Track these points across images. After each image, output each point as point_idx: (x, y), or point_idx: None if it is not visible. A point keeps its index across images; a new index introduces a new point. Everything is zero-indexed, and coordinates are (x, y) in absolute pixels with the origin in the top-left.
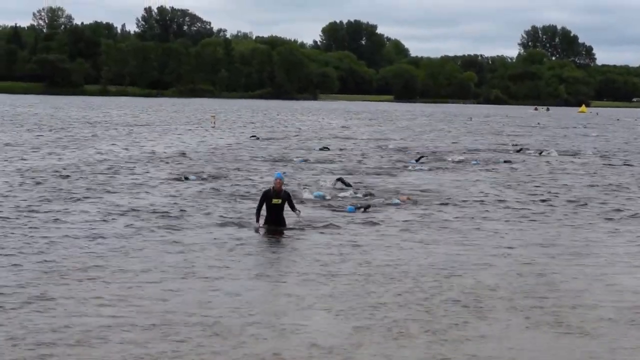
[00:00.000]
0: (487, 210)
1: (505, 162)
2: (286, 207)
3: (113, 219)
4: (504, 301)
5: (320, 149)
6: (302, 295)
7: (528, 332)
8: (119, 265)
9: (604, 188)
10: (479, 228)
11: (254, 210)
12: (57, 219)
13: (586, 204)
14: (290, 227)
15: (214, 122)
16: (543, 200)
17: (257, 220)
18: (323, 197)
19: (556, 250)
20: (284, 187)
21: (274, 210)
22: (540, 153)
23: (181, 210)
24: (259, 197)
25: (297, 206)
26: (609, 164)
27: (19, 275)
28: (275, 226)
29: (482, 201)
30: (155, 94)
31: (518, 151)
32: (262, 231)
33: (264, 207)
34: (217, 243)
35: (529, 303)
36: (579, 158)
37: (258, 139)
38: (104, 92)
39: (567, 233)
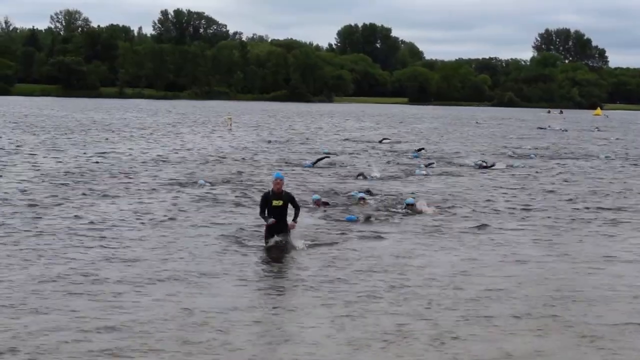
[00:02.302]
0: (498, 217)
1: (516, 167)
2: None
3: (111, 224)
4: (513, 310)
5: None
6: (296, 306)
7: (538, 340)
8: (105, 272)
9: (622, 193)
10: (489, 235)
11: (258, 218)
12: (52, 223)
13: (603, 210)
14: (293, 234)
15: (230, 125)
16: (558, 206)
17: (267, 220)
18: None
19: (571, 257)
20: (284, 189)
21: (276, 214)
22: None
23: (183, 215)
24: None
25: (299, 215)
26: (629, 168)
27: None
28: (278, 232)
29: (492, 207)
30: (172, 96)
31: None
32: (268, 241)
33: (268, 212)
34: (211, 251)
35: (541, 311)
36: (596, 162)
37: (270, 141)
38: (120, 95)
39: (582, 239)
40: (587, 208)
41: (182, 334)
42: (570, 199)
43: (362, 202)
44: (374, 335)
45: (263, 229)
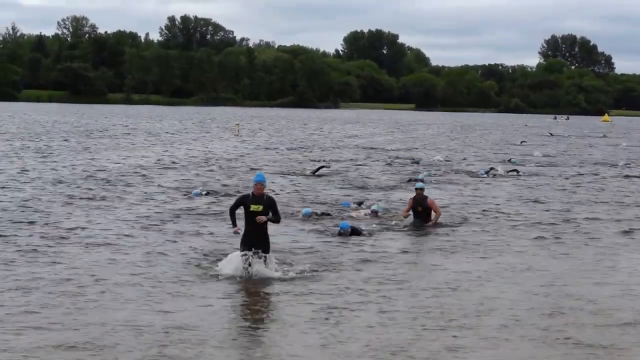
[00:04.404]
0: (501, 226)
1: (521, 174)
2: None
3: (96, 232)
4: (511, 321)
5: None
6: (279, 320)
7: (539, 352)
8: (84, 281)
9: (631, 203)
10: (492, 244)
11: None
12: (37, 232)
13: (610, 219)
14: (275, 247)
15: (238, 131)
16: (562, 217)
17: (234, 224)
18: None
19: (577, 267)
20: (266, 192)
21: (253, 222)
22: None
23: (170, 225)
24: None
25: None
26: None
27: None
28: (255, 242)
29: (493, 216)
30: (178, 102)
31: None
32: (242, 253)
33: (246, 218)
34: (192, 264)
35: (543, 322)
36: (604, 170)
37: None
38: (127, 101)
39: (588, 249)
40: (598, 219)
41: (157, 350)
42: (579, 208)
43: (373, 214)
44: (362, 350)
45: (232, 223)
